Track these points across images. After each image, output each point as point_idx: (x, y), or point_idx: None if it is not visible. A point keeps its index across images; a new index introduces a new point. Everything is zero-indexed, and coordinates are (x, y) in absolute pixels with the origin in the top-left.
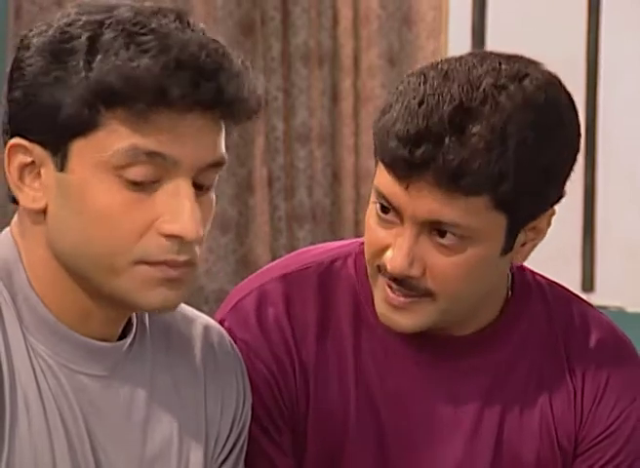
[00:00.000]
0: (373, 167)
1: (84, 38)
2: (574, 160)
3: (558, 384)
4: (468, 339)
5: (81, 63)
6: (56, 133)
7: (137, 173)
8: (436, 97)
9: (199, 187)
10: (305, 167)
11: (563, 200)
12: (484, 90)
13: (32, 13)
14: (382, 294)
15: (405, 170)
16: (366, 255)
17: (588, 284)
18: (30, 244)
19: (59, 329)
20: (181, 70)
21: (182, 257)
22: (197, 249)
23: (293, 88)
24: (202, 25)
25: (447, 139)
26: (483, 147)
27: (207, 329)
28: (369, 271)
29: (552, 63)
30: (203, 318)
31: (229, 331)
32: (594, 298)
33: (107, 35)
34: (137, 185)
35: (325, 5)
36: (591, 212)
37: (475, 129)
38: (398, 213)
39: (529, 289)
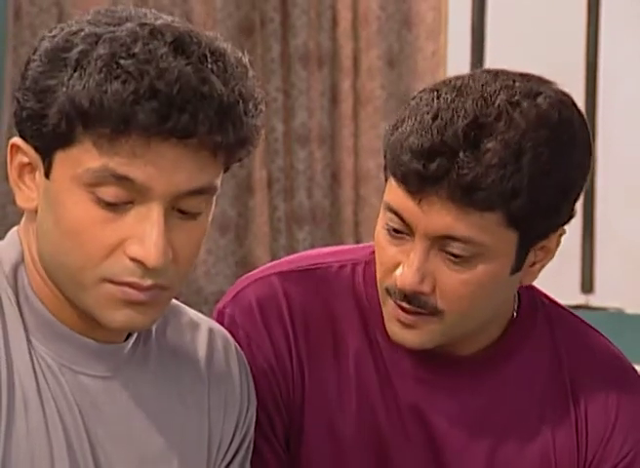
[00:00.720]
0: (372, 168)
1: (76, 51)
2: (585, 180)
3: (561, 412)
4: (469, 359)
5: (66, 77)
6: (42, 140)
7: (107, 193)
8: (450, 111)
9: (184, 212)
10: (305, 168)
11: None
12: (498, 105)
13: (32, 14)
14: (393, 313)
15: (418, 184)
16: (377, 276)
17: (588, 285)
18: (31, 243)
19: (59, 329)
20: (151, 99)
21: (147, 282)
22: (175, 273)
23: (292, 89)
24: (207, 51)
25: (461, 154)
26: (497, 163)
27: (212, 333)
28: (379, 292)
29: (551, 66)
30: (208, 322)
31: (231, 318)
32: (594, 300)
33: (96, 52)
34: (108, 205)
35: (324, 6)
36: (591, 213)
37: (490, 144)
38: (410, 228)
39: (535, 311)
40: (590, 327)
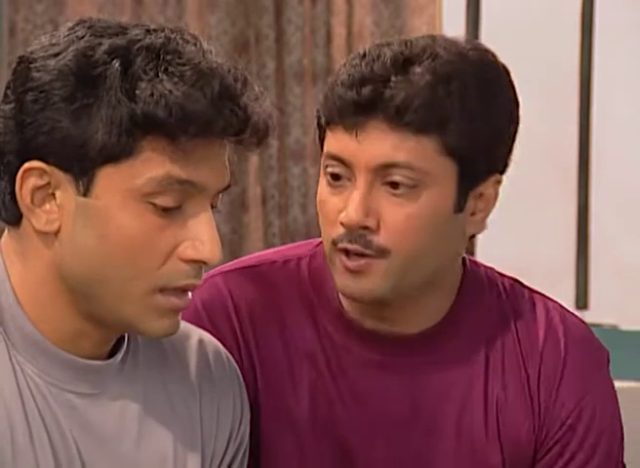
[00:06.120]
0: None
1: (116, 65)
2: (514, 132)
3: (514, 379)
4: (419, 336)
5: (118, 92)
6: (83, 159)
7: (166, 200)
8: (377, 49)
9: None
10: (299, 184)
11: (557, 217)
12: (421, 46)
13: (26, 31)
14: (341, 266)
15: (354, 113)
16: (322, 234)
17: (582, 301)
18: (30, 264)
19: (46, 347)
20: (223, 101)
21: (199, 281)
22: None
23: (287, 105)
24: (212, 47)
25: (392, 78)
26: (427, 84)
27: (202, 343)
28: (327, 253)
29: (545, 81)
30: (198, 332)
31: None
32: (588, 316)
33: (142, 63)
34: (165, 211)
35: (319, 23)
36: (585, 230)
37: (418, 69)
38: (350, 169)
39: (481, 283)
40: (533, 290)
